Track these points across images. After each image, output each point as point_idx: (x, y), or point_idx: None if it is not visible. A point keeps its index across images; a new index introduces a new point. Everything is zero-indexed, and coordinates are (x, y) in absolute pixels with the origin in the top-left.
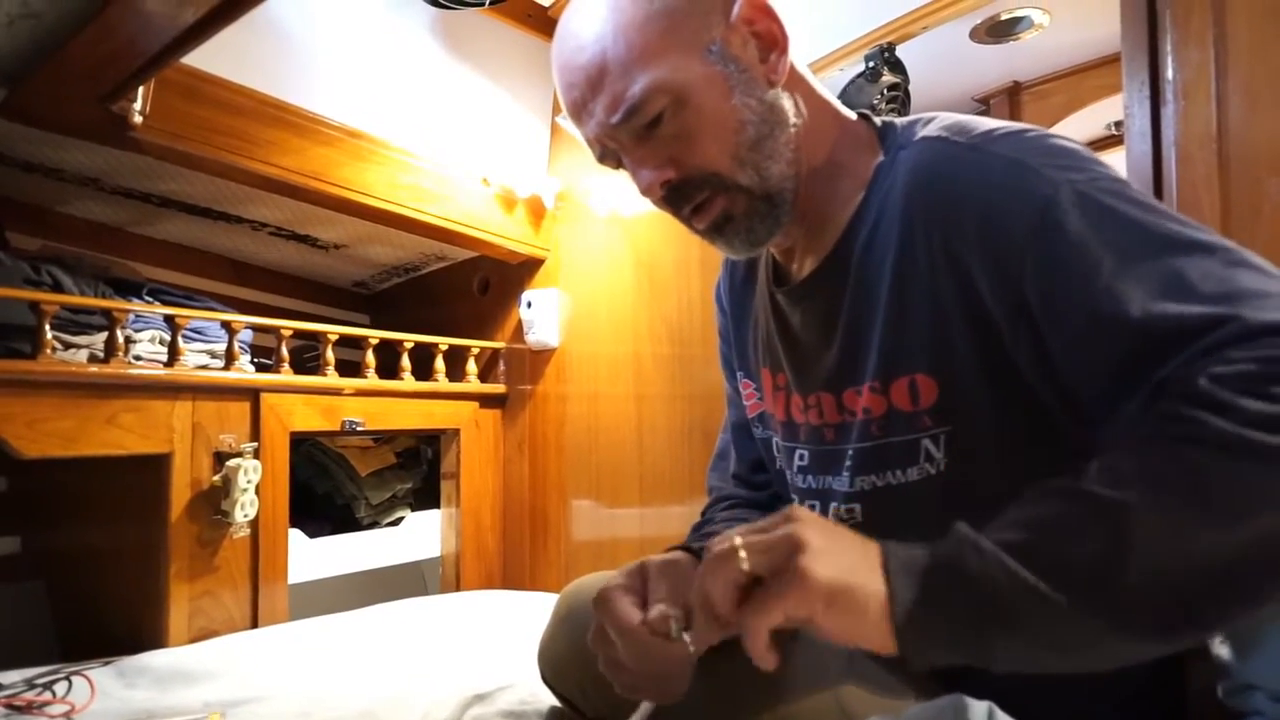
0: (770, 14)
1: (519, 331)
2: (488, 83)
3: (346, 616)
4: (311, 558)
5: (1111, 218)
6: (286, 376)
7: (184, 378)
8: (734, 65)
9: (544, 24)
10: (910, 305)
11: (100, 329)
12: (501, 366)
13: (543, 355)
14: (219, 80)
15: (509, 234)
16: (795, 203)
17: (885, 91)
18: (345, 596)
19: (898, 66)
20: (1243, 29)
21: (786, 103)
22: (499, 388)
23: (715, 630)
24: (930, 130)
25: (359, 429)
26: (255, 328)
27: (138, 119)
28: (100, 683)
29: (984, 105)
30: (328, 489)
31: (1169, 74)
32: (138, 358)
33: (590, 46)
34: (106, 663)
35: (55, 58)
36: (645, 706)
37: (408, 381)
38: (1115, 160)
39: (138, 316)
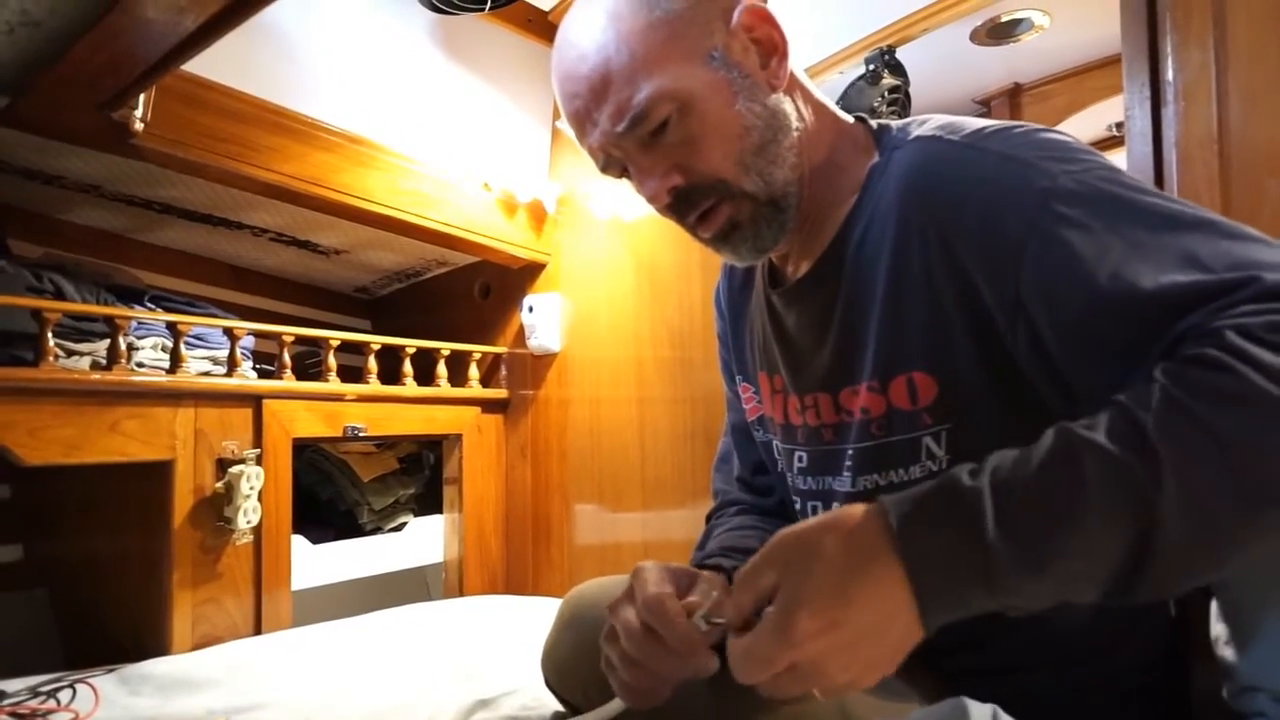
0: (770, 20)
1: (521, 336)
2: (488, 87)
3: (350, 622)
4: (315, 564)
5: (1111, 203)
6: (289, 383)
7: (186, 384)
8: (736, 71)
9: (544, 29)
10: (906, 303)
11: (102, 336)
12: (503, 371)
13: (544, 360)
14: (219, 87)
15: (510, 239)
16: (799, 207)
17: (886, 94)
18: (348, 602)
19: (898, 69)
20: (1243, 31)
21: (788, 107)
22: (501, 393)
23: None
24: (924, 130)
25: (361, 435)
26: (257, 334)
27: (139, 126)
28: (104, 690)
29: (985, 107)
30: (330, 495)
31: (1169, 75)
32: (140, 364)
33: (592, 56)
34: (110, 670)
35: (56, 65)
36: (615, 704)
37: (410, 387)
38: (1116, 161)
39: (140, 323)
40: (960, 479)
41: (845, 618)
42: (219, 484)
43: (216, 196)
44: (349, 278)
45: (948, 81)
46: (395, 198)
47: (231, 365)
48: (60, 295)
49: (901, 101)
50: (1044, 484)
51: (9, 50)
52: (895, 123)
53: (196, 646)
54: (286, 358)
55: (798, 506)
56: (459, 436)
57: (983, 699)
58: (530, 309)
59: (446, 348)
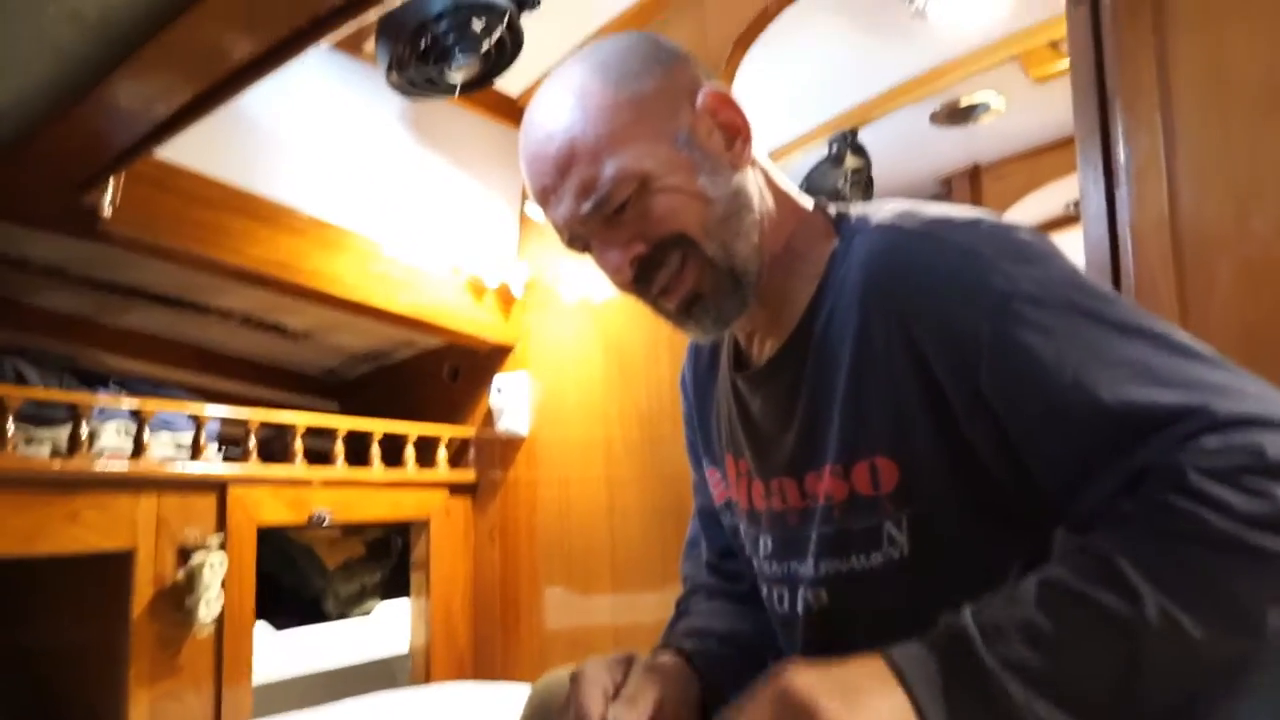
0: (732, 105)
1: (489, 418)
2: (457, 171)
3: (312, 714)
4: (278, 652)
5: (1070, 308)
6: (254, 468)
7: (149, 471)
8: (700, 152)
9: (512, 113)
10: (869, 389)
11: (64, 421)
12: (472, 454)
13: (513, 441)
14: (189, 172)
15: (478, 321)
16: (758, 285)
17: (849, 175)
18: (312, 692)
19: (861, 150)
20: (1190, 116)
21: (751, 188)
22: (469, 475)
23: None
24: (884, 217)
25: (327, 521)
26: (223, 419)
27: (107, 211)
28: None
29: (946, 187)
30: (295, 582)
31: (1121, 158)
32: (103, 450)
33: (559, 135)
34: None
35: (25, 152)
36: None
37: (377, 470)
38: (1073, 240)
39: (103, 409)
40: (967, 644)
41: None
42: (180, 573)
43: (184, 280)
44: (317, 360)
45: (909, 162)
46: (364, 281)
47: (196, 450)
48: (22, 380)
49: (864, 182)
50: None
51: None
52: (854, 208)
53: None
54: (253, 442)
55: (765, 592)
56: (427, 520)
57: None
58: (499, 391)
59: (415, 430)
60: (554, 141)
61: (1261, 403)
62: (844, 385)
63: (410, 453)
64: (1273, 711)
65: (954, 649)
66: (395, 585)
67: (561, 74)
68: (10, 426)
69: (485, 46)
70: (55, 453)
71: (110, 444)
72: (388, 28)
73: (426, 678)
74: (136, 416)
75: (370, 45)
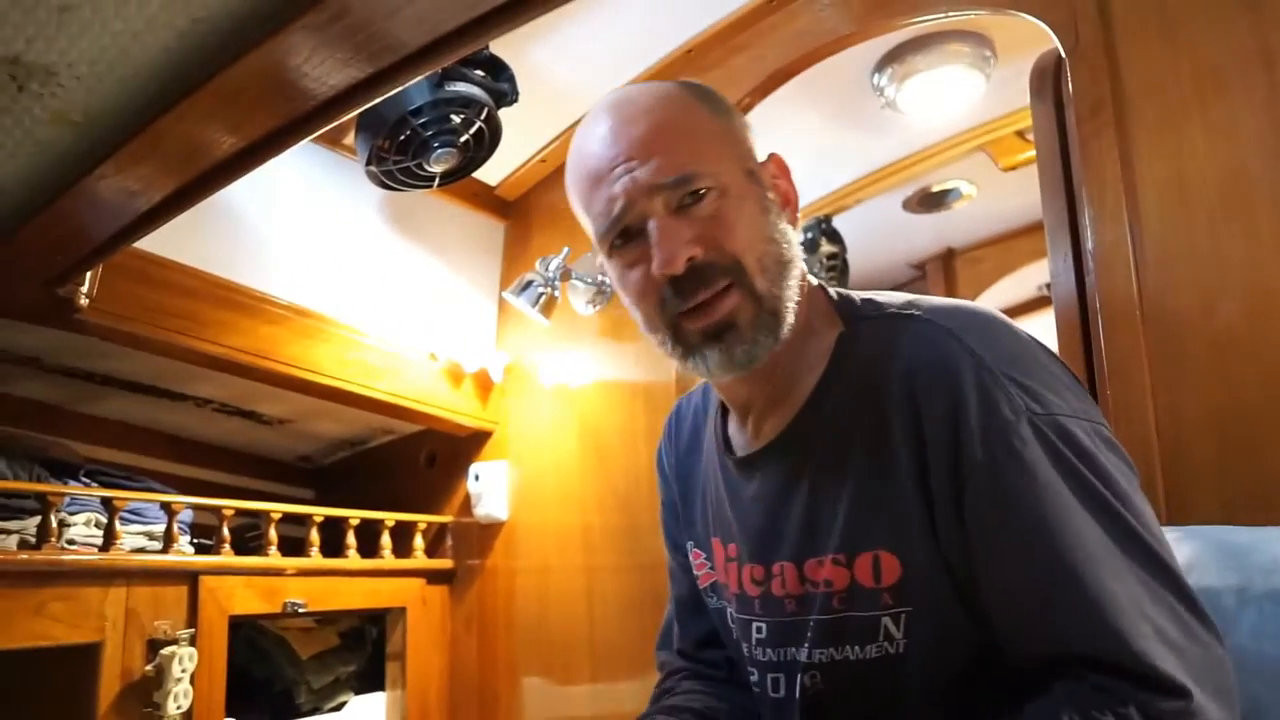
0: (788, 175)
1: (467, 504)
2: (436, 260)
3: None
4: None
5: (1063, 470)
6: (227, 558)
7: (119, 562)
8: (765, 193)
9: (491, 202)
10: (878, 483)
11: (34, 513)
12: (449, 541)
13: (491, 529)
14: (167, 262)
15: (456, 408)
16: (779, 345)
17: (824, 260)
18: None
19: (835, 236)
20: (1154, 210)
21: (799, 250)
22: (446, 563)
23: None
24: (900, 307)
25: (302, 611)
26: (196, 507)
27: (83, 301)
28: None
29: (920, 271)
30: (267, 674)
31: (1089, 245)
32: (71, 541)
33: (656, 114)
34: None
35: (4, 243)
36: None
37: (353, 559)
38: (1046, 322)
39: (73, 499)
40: None
41: None
42: (149, 667)
43: (159, 368)
44: (293, 447)
45: (884, 248)
46: (342, 369)
47: (168, 541)
48: None
49: (840, 268)
50: None
51: None
52: (855, 294)
53: None
54: (226, 531)
55: (755, 678)
56: (403, 609)
57: None
58: (476, 477)
59: (391, 518)
60: (648, 118)
61: (1201, 674)
62: (854, 476)
63: (386, 540)
64: None
65: None
66: (369, 678)
67: (647, 85)
68: None
69: (464, 139)
70: (23, 544)
71: (81, 535)
72: (367, 121)
73: None
74: (108, 507)
75: (350, 138)
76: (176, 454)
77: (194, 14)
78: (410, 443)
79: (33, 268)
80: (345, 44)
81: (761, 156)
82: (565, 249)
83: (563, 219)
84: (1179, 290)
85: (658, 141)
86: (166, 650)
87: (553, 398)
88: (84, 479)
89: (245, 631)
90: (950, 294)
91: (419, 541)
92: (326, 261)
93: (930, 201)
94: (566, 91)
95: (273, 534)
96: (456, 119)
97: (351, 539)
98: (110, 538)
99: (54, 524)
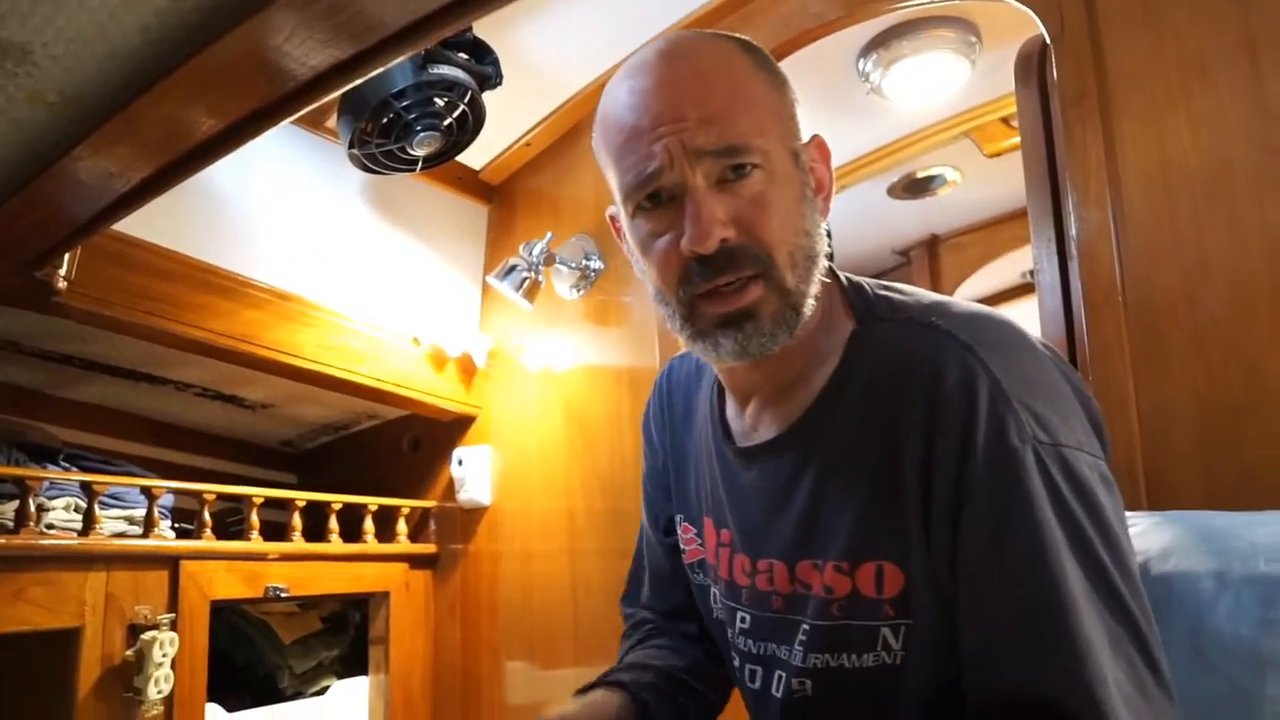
0: (828, 160)
1: (450, 489)
2: (419, 244)
3: None
4: None
5: (1058, 526)
6: (208, 543)
7: (99, 547)
8: (807, 179)
9: (474, 186)
10: (887, 492)
11: (11, 498)
12: (432, 526)
13: (474, 514)
14: (148, 245)
15: (440, 392)
16: (793, 337)
17: None
18: None
19: None
20: (1136, 195)
21: (825, 242)
22: (430, 548)
23: None
24: (925, 315)
25: (284, 595)
26: (177, 492)
27: (62, 285)
28: None
29: (905, 257)
30: (249, 659)
31: (1072, 231)
32: (50, 526)
33: (715, 75)
34: None
35: None
36: None
37: (335, 544)
38: (1030, 309)
39: (52, 484)
40: None
41: None
42: (129, 652)
43: (140, 352)
44: (275, 431)
45: (868, 233)
46: (324, 353)
47: (149, 525)
48: None
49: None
50: None
51: None
52: (868, 285)
53: None
54: (207, 516)
55: (736, 664)
56: (386, 594)
57: None
58: (460, 462)
59: (374, 503)
60: (706, 78)
61: None
62: (863, 484)
63: (369, 525)
64: None
65: None
66: (352, 663)
67: (703, 36)
68: None
69: (447, 122)
70: (1, 529)
71: (60, 519)
72: (349, 104)
73: None
74: (87, 491)
75: (332, 120)
76: (158, 438)
77: None
78: (393, 428)
79: (9, 250)
80: (326, 24)
81: (805, 137)
82: (549, 234)
83: (547, 203)
84: (1161, 278)
85: (712, 104)
86: (147, 635)
87: (536, 382)
88: (63, 463)
89: (227, 616)
90: (934, 281)
91: (402, 526)
92: (308, 245)
93: (915, 188)
94: (551, 75)
95: (254, 519)
96: (440, 102)
97: (334, 524)
98: (90, 522)
99: (32, 509)
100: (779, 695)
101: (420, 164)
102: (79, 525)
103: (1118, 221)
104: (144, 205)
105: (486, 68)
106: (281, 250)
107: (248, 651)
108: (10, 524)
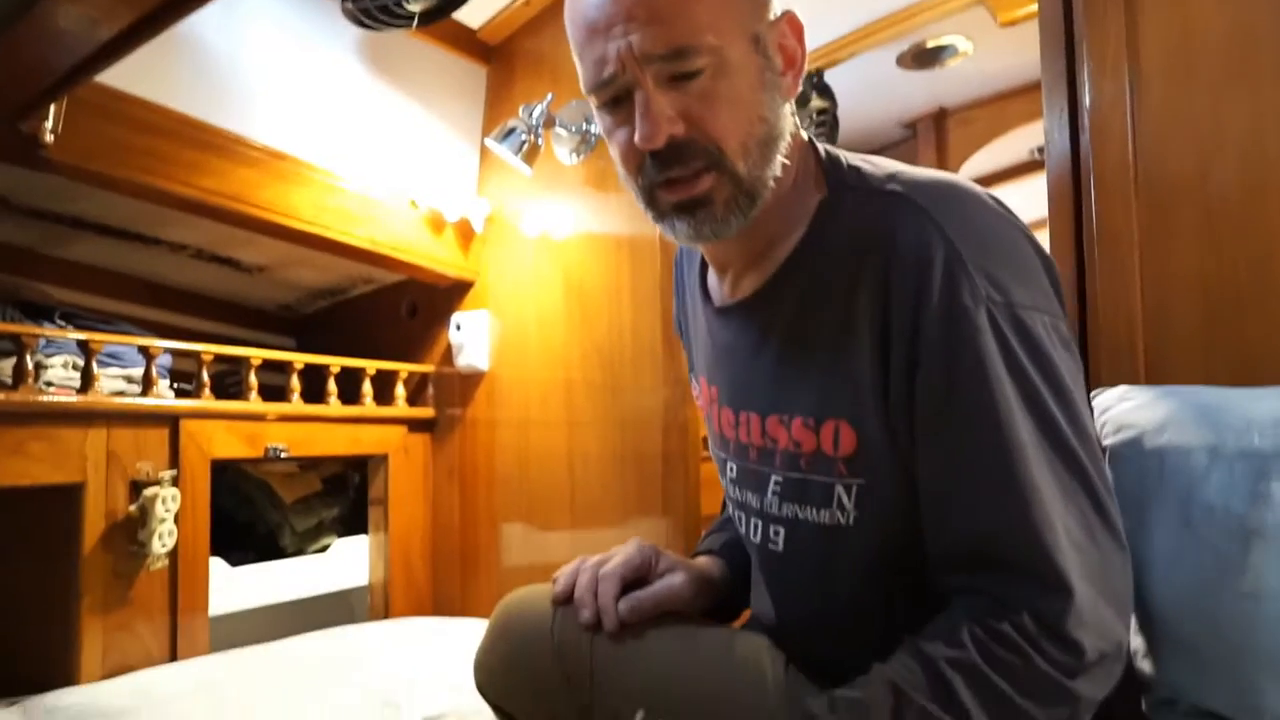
0: (800, 35)
1: (448, 355)
2: (415, 105)
3: (270, 647)
4: (234, 587)
5: (1011, 366)
6: (207, 402)
7: (98, 404)
8: (767, 64)
9: (472, 45)
10: (846, 354)
11: (8, 354)
12: (431, 390)
13: (472, 379)
14: (136, 100)
15: (437, 256)
16: (758, 215)
17: (814, 116)
18: (270, 627)
19: (826, 92)
20: (1155, 64)
21: (787, 122)
22: (428, 412)
23: None
24: (882, 182)
25: (283, 455)
26: (174, 352)
27: (49, 138)
28: None
29: (911, 130)
30: (251, 517)
31: (1087, 102)
32: (49, 384)
33: None
34: (12, 703)
35: None
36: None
37: (334, 406)
38: (1037, 185)
39: (49, 341)
40: None
41: None
42: (132, 507)
43: (133, 211)
44: (272, 295)
45: (875, 105)
46: (320, 214)
47: (147, 384)
48: None
49: (830, 124)
50: None
51: None
52: (844, 158)
53: (107, 676)
54: (205, 376)
55: (733, 511)
56: (385, 457)
57: None
58: (458, 327)
59: (372, 366)
60: None
61: (1094, 574)
62: (823, 346)
63: (368, 388)
64: None
65: None
66: (352, 522)
67: None
68: None
69: None
70: (0, 386)
71: (58, 377)
72: None
73: (386, 613)
74: (84, 349)
75: None
76: (154, 300)
77: None
78: (391, 292)
79: None
80: None
81: (777, 12)
82: (549, 95)
83: (547, 65)
84: (1175, 153)
85: (659, 6)
86: (149, 491)
87: (535, 249)
88: (59, 321)
89: (228, 476)
90: (940, 156)
91: (400, 390)
92: (303, 104)
93: (924, 58)
94: None
95: (253, 380)
96: None
97: (333, 386)
98: (88, 380)
99: (30, 365)
100: (757, 543)
101: (416, 20)
102: (77, 383)
103: (1134, 92)
104: (127, 55)
105: None
106: (275, 108)
107: (250, 510)
108: (9, 381)
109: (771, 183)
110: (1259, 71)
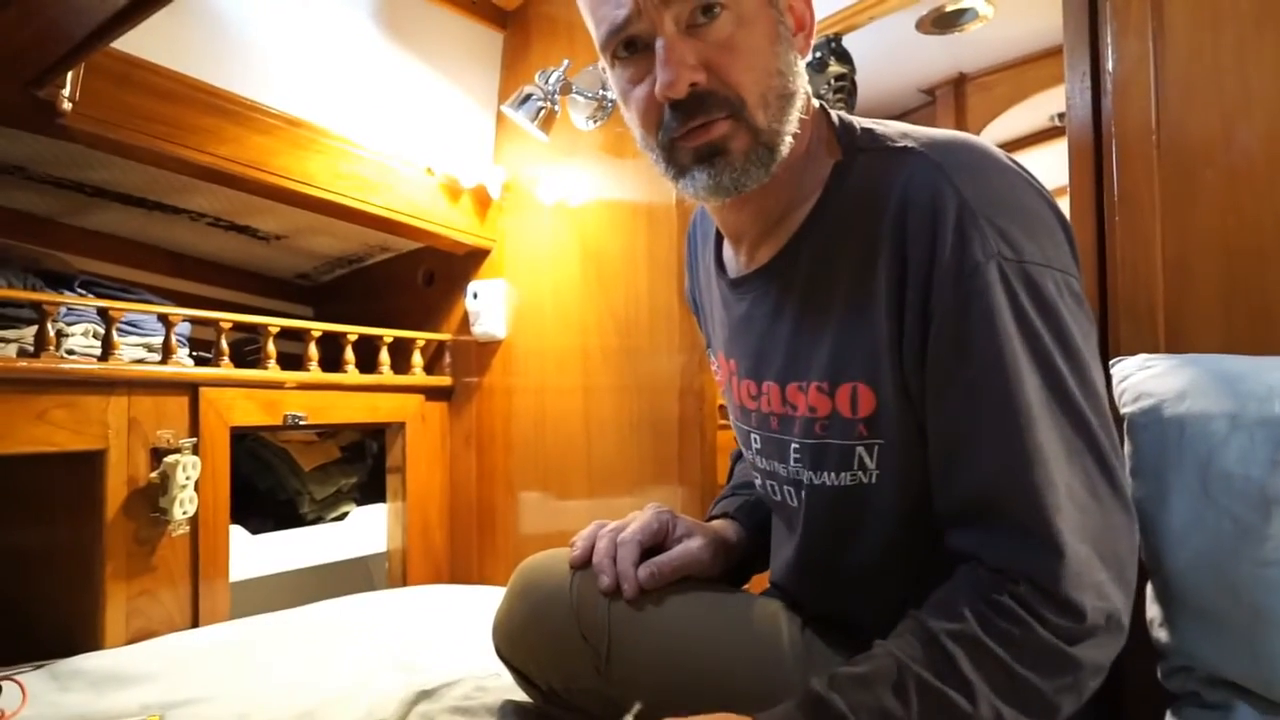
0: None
1: (465, 323)
2: (431, 71)
3: (290, 614)
4: (254, 554)
5: (1009, 329)
6: (226, 370)
7: (119, 372)
8: (781, 19)
9: (489, 11)
10: (860, 316)
11: (30, 322)
12: (448, 358)
13: (489, 347)
14: (152, 66)
15: (454, 224)
16: (774, 174)
17: (832, 82)
18: (289, 593)
19: (845, 57)
20: (1180, 23)
21: (803, 80)
22: (445, 380)
23: None
24: (896, 140)
25: (302, 423)
26: (193, 320)
27: (66, 106)
28: (32, 687)
29: (930, 96)
30: (270, 485)
31: (1109, 65)
32: (70, 352)
33: None
34: (38, 666)
35: None
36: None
37: (352, 374)
38: (1058, 152)
39: (70, 309)
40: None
41: None
42: (153, 474)
43: (151, 179)
44: (289, 264)
45: (893, 70)
46: (336, 182)
47: (167, 352)
48: None
49: (848, 89)
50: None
51: None
52: (857, 122)
53: (130, 641)
54: (224, 344)
55: (758, 482)
56: (402, 425)
57: None
58: (475, 295)
59: (389, 334)
60: None
61: (1093, 535)
62: (840, 307)
63: (385, 356)
64: None
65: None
66: (370, 490)
67: None
68: None
69: None
70: (22, 353)
71: (79, 345)
72: None
73: (404, 581)
74: (104, 317)
75: None
76: (173, 268)
77: None
78: (408, 260)
79: (9, 68)
80: None
81: None
82: (565, 61)
83: (563, 30)
84: (1198, 115)
85: None
86: (170, 458)
87: (552, 216)
88: (79, 290)
89: (248, 444)
90: (960, 122)
91: (417, 358)
92: (318, 70)
93: (944, 22)
94: None
95: (271, 348)
96: None
97: (350, 355)
98: (108, 348)
99: (51, 333)
100: (784, 507)
101: None
102: (98, 351)
103: (1158, 53)
104: (144, 19)
105: None
106: (290, 74)
107: (269, 478)
108: (30, 348)
109: (789, 139)
110: None
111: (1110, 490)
